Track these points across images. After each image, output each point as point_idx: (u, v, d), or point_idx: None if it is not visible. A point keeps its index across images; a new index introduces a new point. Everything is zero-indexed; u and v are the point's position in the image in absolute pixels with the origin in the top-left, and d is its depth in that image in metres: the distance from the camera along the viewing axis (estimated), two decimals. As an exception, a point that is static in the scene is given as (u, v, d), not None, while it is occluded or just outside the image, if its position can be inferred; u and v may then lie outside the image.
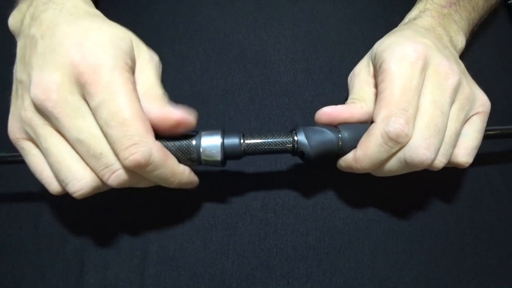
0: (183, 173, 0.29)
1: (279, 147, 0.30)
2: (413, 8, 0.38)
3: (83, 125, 0.25)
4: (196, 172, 0.36)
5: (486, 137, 0.32)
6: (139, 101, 0.26)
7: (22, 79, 0.27)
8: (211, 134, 0.29)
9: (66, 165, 0.27)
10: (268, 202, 0.35)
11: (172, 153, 0.28)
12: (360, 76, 0.34)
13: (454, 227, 0.36)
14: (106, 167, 0.26)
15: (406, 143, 0.28)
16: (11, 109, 0.28)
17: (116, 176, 0.26)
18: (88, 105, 0.26)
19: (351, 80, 0.35)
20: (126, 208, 0.35)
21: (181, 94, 0.39)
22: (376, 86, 0.32)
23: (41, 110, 0.26)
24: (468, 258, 0.35)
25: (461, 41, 0.36)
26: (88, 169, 0.27)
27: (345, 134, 0.30)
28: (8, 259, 0.34)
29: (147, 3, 0.44)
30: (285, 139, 0.30)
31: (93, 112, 0.26)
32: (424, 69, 0.29)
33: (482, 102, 0.31)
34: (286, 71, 0.40)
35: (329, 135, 0.30)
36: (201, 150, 0.29)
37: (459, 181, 0.38)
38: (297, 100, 0.39)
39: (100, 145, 0.26)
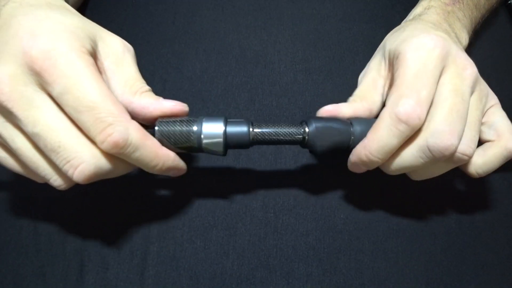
0: (166, 156, 0.27)
1: (288, 137, 0.29)
2: (417, 5, 0.38)
3: (38, 117, 0.24)
4: (194, 170, 0.36)
5: None
6: (104, 83, 0.25)
7: None
8: (213, 121, 0.28)
9: (41, 164, 0.26)
10: (268, 202, 0.35)
11: (172, 139, 0.27)
12: (370, 75, 0.33)
13: (454, 227, 0.36)
14: (67, 161, 0.24)
15: (420, 129, 0.27)
16: None
17: (80, 171, 0.24)
18: (49, 94, 0.24)
19: (361, 78, 0.35)
20: (126, 208, 0.35)
21: (181, 94, 0.39)
22: (387, 84, 0.32)
23: None
24: (468, 258, 0.35)
25: (464, 39, 0.36)
26: None
27: (357, 128, 0.29)
28: (8, 259, 0.34)
29: (147, 3, 0.44)
30: (295, 130, 0.29)
31: (58, 101, 0.24)
32: (442, 58, 0.28)
33: (493, 96, 0.31)
34: (286, 71, 0.40)
35: (341, 126, 0.29)
36: (202, 136, 0.28)
37: (459, 181, 0.38)
38: (297, 100, 0.39)
39: (57, 137, 0.24)
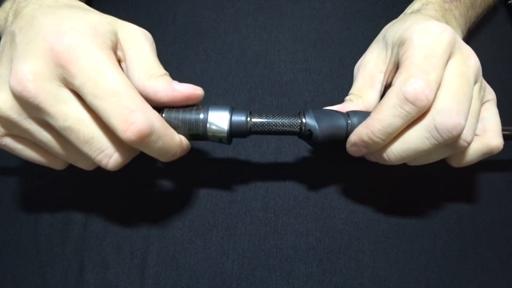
0: (181, 143, 0.28)
1: (286, 128, 0.29)
2: (414, 1, 0.38)
3: (68, 111, 0.24)
4: (194, 170, 0.36)
5: None
6: (125, 75, 0.25)
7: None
8: (219, 109, 0.28)
9: (71, 154, 0.27)
10: (268, 202, 0.35)
11: (178, 127, 0.28)
12: (366, 69, 0.33)
13: (454, 227, 0.36)
14: (101, 151, 0.25)
15: (427, 110, 0.27)
16: None
17: (114, 160, 0.25)
18: (72, 87, 0.25)
19: (356, 72, 0.35)
20: (126, 208, 0.35)
21: (181, 94, 0.39)
22: (387, 78, 0.32)
23: (22, 102, 0.25)
24: (468, 258, 0.35)
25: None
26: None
27: (354, 119, 0.30)
28: (8, 259, 0.34)
29: (147, 3, 0.44)
30: (293, 120, 0.29)
31: (79, 92, 0.24)
32: (450, 44, 0.28)
33: (490, 90, 0.32)
34: (286, 71, 0.40)
35: (338, 118, 0.30)
36: (207, 125, 0.28)
37: (459, 181, 0.38)
38: (297, 100, 0.39)
39: (89, 128, 0.25)
